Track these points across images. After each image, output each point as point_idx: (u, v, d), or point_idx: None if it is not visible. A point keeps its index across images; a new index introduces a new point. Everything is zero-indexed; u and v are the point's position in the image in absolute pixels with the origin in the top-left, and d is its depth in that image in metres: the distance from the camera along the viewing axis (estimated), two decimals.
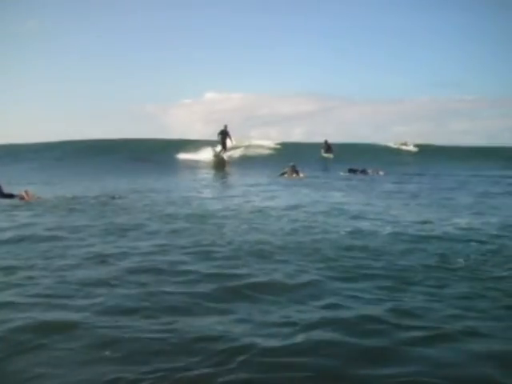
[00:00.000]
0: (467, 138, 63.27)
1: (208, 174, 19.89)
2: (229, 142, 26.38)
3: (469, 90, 67.81)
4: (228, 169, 23.35)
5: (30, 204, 9.93)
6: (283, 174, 19.62)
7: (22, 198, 10.74)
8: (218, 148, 26.44)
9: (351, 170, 20.35)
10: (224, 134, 26.09)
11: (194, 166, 23.74)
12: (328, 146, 28.80)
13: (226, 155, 26.38)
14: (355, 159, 22.32)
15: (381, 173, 19.75)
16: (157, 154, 26.45)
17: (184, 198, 10.77)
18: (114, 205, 9.70)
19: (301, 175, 19.32)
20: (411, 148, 32.03)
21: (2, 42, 60.69)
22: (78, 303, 3.87)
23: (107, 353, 3.01)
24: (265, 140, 29.94)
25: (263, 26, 71.39)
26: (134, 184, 14.53)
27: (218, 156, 26.09)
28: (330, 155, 28.08)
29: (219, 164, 24.80)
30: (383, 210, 8.95)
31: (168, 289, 4.18)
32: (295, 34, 71.23)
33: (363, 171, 20.31)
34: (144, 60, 67.82)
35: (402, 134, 63.77)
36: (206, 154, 26.42)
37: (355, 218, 8.02)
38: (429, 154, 28.08)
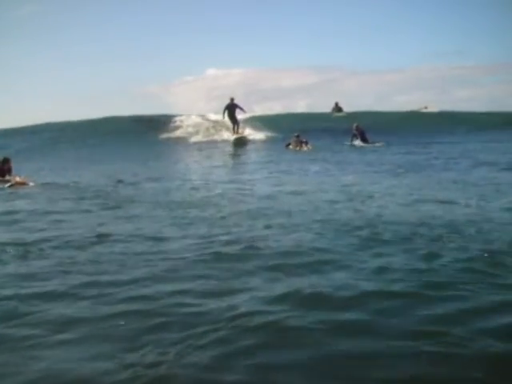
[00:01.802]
0: (470, 105, 62.23)
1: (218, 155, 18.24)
2: (241, 115, 22.99)
3: (470, 57, 66.87)
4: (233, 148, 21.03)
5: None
6: (288, 145, 19.59)
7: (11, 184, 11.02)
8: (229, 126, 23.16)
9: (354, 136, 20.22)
10: (232, 108, 22.26)
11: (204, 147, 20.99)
12: (339, 108, 28.09)
13: (240, 131, 23.04)
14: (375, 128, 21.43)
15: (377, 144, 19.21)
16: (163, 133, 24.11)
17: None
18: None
19: (306, 147, 19.25)
20: (434, 110, 30.12)
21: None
22: None
23: None
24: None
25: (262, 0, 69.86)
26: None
27: (234, 134, 22.87)
28: (344, 113, 27.50)
29: (238, 143, 21.95)
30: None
31: None
32: (293, 6, 69.81)
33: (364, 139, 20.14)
34: (144, 39, 66.82)
35: (405, 103, 63.14)
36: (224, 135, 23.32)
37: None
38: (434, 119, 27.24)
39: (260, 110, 25.41)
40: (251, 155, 18.24)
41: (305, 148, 19.16)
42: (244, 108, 22.62)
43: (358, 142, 19.85)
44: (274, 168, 12.99)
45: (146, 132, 24.03)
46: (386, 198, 7.74)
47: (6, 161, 12.85)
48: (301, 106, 45.19)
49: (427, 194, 7.99)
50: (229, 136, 23.09)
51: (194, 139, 23.27)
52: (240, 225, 6.16)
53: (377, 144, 19.12)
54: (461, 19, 65.30)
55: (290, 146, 19.42)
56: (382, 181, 9.75)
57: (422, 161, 13.28)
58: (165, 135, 23.97)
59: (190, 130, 24.54)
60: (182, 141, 23.12)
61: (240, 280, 4.18)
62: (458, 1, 66.84)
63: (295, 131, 19.74)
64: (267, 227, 5.99)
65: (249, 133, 23.18)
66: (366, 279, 4.05)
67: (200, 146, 21.30)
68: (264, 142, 21.91)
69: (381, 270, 4.25)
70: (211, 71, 59.46)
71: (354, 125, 20.44)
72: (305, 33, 69.63)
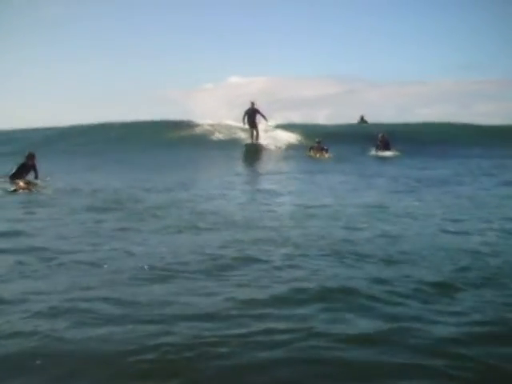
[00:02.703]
0: (492, 120, 61.58)
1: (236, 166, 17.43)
2: (263, 122, 21.30)
3: (493, 70, 66.09)
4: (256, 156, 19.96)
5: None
6: (310, 149, 19.74)
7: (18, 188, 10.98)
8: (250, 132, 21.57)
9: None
10: (251, 115, 20.69)
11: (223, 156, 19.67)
12: (364, 121, 28.55)
13: (260, 139, 21.59)
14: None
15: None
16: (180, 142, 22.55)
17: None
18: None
19: (327, 155, 19.22)
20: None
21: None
22: None
23: None
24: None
25: (286, 8, 69.86)
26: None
27: (251, 142, 21.44)
28: (366, 122, 28.41)
29: (253, 152, 20.76)
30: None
31: None
32: (317, 16, 69.77)
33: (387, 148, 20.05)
34: (166, 43, 67.35)
35: (427, 116, 62.65)
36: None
37: None
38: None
39: (281, 118, 24.52)
40: (269, 165, 17.73)
41: (325, 155, 19.23)
42: (265, 115, 20.92)
43: (380, 152, 19.78)
44: (297, 181, 12.89)
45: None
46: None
47: (31, 156, 12.76)
48: (321, 117, 44.89)
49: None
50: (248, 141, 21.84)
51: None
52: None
53: (397, 153, 19.30)
54: (485, 32, 64.75)
55: (311, 153, 19.58)
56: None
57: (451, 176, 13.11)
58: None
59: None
60: (201, 141, 22.60)
61: None
62: (481, 14, 66.10)
63: (317, 137, 19.99)
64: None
65: (268, 142, 21.94)
66: None
67: (223, 150, 20.52)
68: (285, 149, 21.50)
69: None
70: (233, 79, 59.58)
71: (380, 134, 20.38)
72: (328, 42, 69.78)
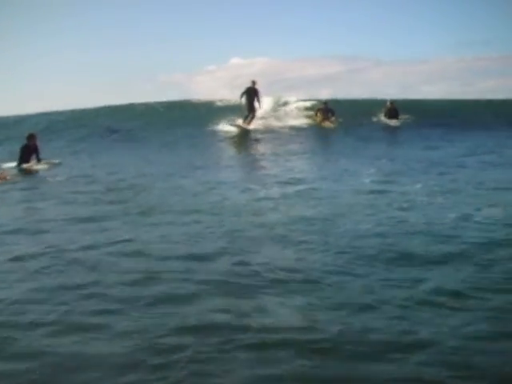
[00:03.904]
0: (495, 96, 61.24)
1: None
2: (257, 106, 19.13)
3: (496, 47, 65.16)
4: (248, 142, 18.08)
5: None
6: (317, 112, 20.21)
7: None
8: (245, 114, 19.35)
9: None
10: (251, 94, 18.80)
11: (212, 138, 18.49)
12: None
13: (253, 124, 19.36)
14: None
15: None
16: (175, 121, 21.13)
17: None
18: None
19: (332, 125, 19.48)
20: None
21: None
22: None
23: None
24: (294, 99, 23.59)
25: None
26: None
27: (243, 124, 19.21)
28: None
29: (243, 136, 18.75)
30: None
31: None
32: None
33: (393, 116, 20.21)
34: (169, 27, 66.64)
35: (430, 93, 62.30)
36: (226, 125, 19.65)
37: None
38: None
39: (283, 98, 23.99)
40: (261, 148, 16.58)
41: (330, 124, 19.42)
42: (261, 100, 19.23)
43: (387, 120, 20.16)
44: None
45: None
46: None
47: (31, 137, 12.84)
48: (324, 95, 44.75)
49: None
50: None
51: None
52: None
53: (404, 118, 20.01)
54: (487, 8, 63.66)
55: (317, 116, 20.07)
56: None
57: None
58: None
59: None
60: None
61: None
62: None
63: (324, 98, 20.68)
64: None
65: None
66: None
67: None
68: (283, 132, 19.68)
69: None
70: (235, 60, 59.05)
71: (388, 102, 20.68)
72: (329, 22, 68.64)
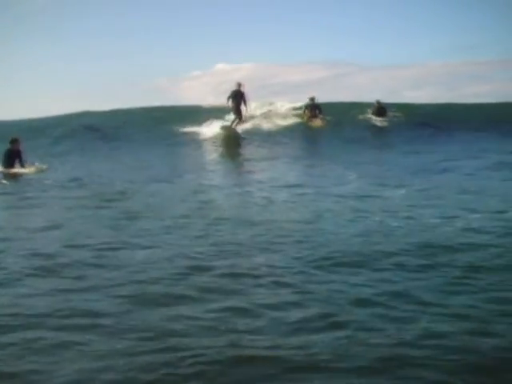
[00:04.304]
0: (482, 101, 61.79)
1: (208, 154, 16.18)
2: (243, 109, 18.81)
3: (482, 52, 65.74)
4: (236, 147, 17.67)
5: None
6: (305, 109, 20.22)
7: None
8: (231, 117, 19.04)
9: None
10: (238, 97, 18.52)
11: (195, 141, 18.22)
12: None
13: (240, 127, 18.97)
14: None
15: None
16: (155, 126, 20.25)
17: None
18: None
19: (319, 120, 19.73)
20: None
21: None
22: None
23: None
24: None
25: None
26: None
27: (229, 127, 18.85)
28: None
29: (229, 139, 18.44)
30: None
31: None
32: (304, 2, 68.70)
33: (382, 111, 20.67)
34: (153, 34, 66.45)
35: (415, 98, 62.69)
36: (212, 127, 19.16)
37: None
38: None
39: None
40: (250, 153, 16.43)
41: (318, 123, 19.62)
42: (248, 102, 18.82)
43: (375, 117, 20.66)
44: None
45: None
46: None
47: (15, 141, 12.73)
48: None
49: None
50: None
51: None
52: None
53: (392, 115, 20.53)
54: (473, 13, 64.25)
55: (305, 113, 20.18)
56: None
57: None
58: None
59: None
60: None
61: None
62: None
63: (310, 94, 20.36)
64: None
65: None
66: None
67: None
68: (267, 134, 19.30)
69: None
70: (220, 66, 58.96)
71: (376, 101, 21.09)
72: (315, 28, 68.85)
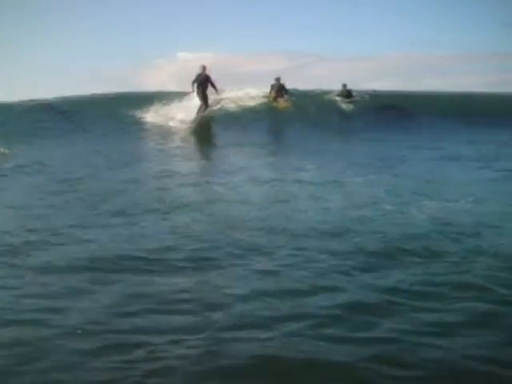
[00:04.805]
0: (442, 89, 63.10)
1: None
2: (212, 94, 17.89)
3: (444, 46, 67.01)
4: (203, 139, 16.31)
5: None
6: (271, 89, 20.02)
7: None
8: (191, 103, 17.71)
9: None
10: (203, 81, 17.30)
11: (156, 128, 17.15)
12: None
13: (207, 112, 17.74)
14: None
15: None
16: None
17: None
18: None
19: (284, 103, 19.56)
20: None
21: None
22: None
23: None
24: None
25: None
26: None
27: (198, 118, 17.51)
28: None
29: (195, 125, 17.11)
30: None
31: None
32: None
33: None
34: (116, 19, 65.23)
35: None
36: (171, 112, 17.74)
37: None
38: None
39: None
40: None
41: (283, 104, 19.58)
42: (216, 85, 17.77)
43: (343, 99, 21.00)
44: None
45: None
46: None
47: None
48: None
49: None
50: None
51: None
52: None
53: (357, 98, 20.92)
54: (436, 7, 65.33)
55: (271, 94, 19.94)
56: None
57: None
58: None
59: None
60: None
61: None
62: None
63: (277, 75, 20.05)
64: None
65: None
66: None
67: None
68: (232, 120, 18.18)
69: None
70: (182, 54, 58.25)
71: (342, 84, 21.54)
72: (276, 18, 68.92)
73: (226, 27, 69.48)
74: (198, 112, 17.69)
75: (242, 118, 18.30)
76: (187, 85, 17.78)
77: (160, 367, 3.23)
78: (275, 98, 19.97)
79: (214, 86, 17.69)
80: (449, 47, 68.09)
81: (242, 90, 21.39)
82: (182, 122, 17.55)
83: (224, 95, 19.58)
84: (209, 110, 18.00)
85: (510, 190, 8.52)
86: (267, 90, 20.68)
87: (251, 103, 20.20)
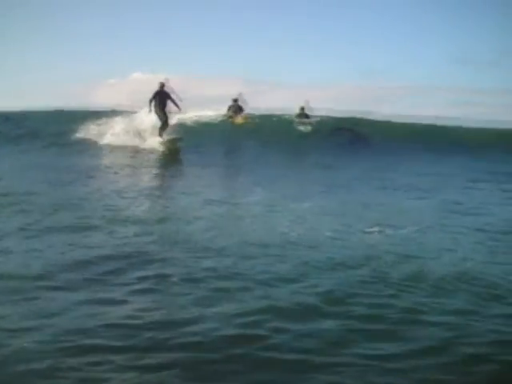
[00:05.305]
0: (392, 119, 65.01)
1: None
2: (170, 111, 16.74)
3: (395, 77, 69.63)
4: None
5: None
6: (229, 108, 20.57)
7: None
8: (150, 123, 16.94)
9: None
10: (162, 99, 16.24)
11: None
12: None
13: (164, 140, 16.40)
14: None
15: None
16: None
17: None
18: None
19: (241, 118, 20.07)
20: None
21: None
22: None
23: None
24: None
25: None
26: None
27: (159, 139, 16.36)
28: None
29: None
30: None
31: None
32: (224, 16, 69.86)
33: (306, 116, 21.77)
34: (71, 39, 64.97)
35: None
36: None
37: None
38: None
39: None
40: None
41: (240, 120, 19.98)
42: (178, 102, 16.47)
43: (298, 120, 21.48)
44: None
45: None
46: None
47: None
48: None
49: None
50: (155, 142, 16.48)
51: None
52: None
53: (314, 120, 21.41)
54: (385, 40, 67.83)
55: (229, 113, 20.49)
56: None
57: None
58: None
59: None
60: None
61: None
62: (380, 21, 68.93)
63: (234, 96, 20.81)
64: None
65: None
66: None
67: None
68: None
69: None
70: (136, 75, 58.31)
71: (300, 106, 22.02)
72: (234, 43, 70.16)
73: (182, 50, 70.04)
74: (159, 132, 16.58)
75: (198, 135, 18.27)
76: (141, 103, 17.28)
77: None
78: (231, 117, 20.23)
79: (175, 102, 16.47)
80: (399, 78, 70.33)
81: (201, 112, 21.57)
82: (126, 136, 17.21)
83: (182, 116, 19.05)
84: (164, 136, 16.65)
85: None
86: (225, 110, 20.97)
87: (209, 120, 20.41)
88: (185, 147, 16.69)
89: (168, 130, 16.88)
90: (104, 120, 17.97)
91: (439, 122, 26.17)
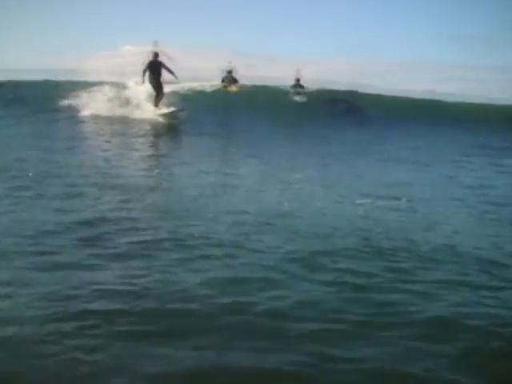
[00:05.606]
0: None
1: None
2: (165, 80, 16.29)
3: (384, 53, 69.18)
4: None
5: None
6: (223, 80, 20.64)
7: None
8: (142, 93, 16.39)
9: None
10: (156, 69, 15.85)
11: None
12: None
13: (161, 111, 15.96)
14: None
15: None
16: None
17: None
18: None
19: (235, 88, 20.09)
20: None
21: None
22: None
23: None
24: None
25: None
26: None
27: (154, 110, 15.96)
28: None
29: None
30: None
31: None
32: None
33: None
34: (63, 12, 63.82)
35: None
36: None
37: None
38: None
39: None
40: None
41: (235, 88, 20.11)
42: (173, 70, 16.00)
43: (294, 90, 21.55)
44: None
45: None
46: None
47: None
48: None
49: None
50: (149, 112, 16.05)
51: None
52: None
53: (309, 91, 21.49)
54: (379, 16, 67.14)
55: (224, 83, 20.61)
56: None
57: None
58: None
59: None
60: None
61: None
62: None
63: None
64: None
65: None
66: None
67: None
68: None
69: None
70: (127, 47, 57.42)
71: (296, 78, 22.07)
72: (225, 15, 69.24)
73: (175, 23, 69.26)
74: (155, 102, 16.23)
75: (192, 104, 17.91)
76: (133, 76, 16.84)
77: None
78: (226, 86, 20.29)
79: (170, 71, 16.01)
80: (388, 54, 70.00)
81: (197, 82, 21.26)
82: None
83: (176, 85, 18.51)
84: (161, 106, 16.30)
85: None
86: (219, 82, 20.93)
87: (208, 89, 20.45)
88: (186, 118, 16.41)
89: (163, 99, 16.52)
90: (95, 88, 17.57)
91: (435, 97, 26.16)
